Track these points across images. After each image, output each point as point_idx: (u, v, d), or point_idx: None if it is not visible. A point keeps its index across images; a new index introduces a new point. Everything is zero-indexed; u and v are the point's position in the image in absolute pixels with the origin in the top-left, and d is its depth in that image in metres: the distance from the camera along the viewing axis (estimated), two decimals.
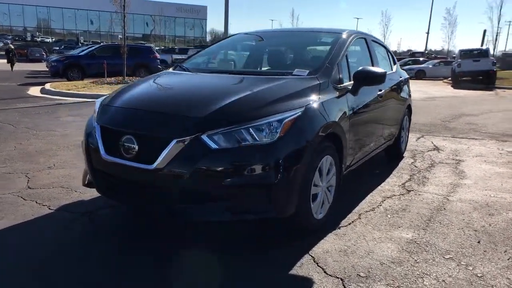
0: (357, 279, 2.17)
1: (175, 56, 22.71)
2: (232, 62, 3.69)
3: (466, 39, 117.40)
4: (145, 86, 2.96)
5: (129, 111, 2.54)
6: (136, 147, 2.30)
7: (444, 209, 3.26)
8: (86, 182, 2.82)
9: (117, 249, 2.47)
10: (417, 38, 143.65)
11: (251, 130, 2.22)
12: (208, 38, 63.62)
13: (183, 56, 22.04)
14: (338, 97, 2.87)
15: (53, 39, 49.27)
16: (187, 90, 2.85)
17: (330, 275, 2.20)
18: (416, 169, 4.45)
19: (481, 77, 19.40)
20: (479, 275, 2.25)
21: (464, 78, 19.77)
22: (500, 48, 54.54)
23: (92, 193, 3.33)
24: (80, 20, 52.50)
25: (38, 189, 3.44)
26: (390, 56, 4.62)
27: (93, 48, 16.74)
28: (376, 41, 4.21)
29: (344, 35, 3.43)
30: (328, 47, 3.28)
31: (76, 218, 2.88)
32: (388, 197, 3.50)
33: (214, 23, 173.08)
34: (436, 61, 29.62)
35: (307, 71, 2.90)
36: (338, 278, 2.17)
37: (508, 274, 2.26)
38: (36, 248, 2.44)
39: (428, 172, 4.34)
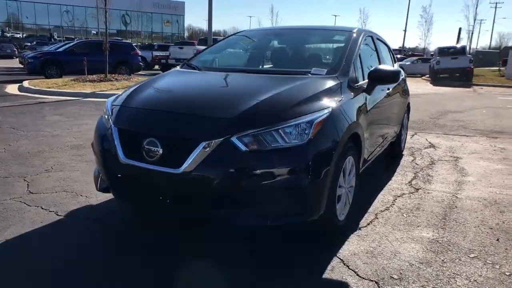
0: (391, 281, 2.15)
1: (156, 53, 22.29)
2: (245, 60, 3.61)
3: (442, 36, 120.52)
4: (162, 86, 2.84)
5: (152, 113, 2.43)
6: (161, 150, 2.21)
7: (456, 207, 3.29)
8: (100, 187, 2.69)
9: (136, 258, 2.36)
10: (394, 36, 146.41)
11: (281, 131, 2.17)
12: (186, 34, 62.83)
13: (164, 53, 21.66)
14: (356, 96, 2.84)
15: (24, 35, 47.50)
16: (210, 91, 2.76)
17: (363, 278, 2.17)
18: (418, 167, 4.49)
19: (458, 74, 19.96)
20: (507, 273, 2.27)
21: (442, 75, 20.29)
22: (472, 46, 56.26)
23: (98, 197, 3.21)
24: (52, 15, 50.80)
25: (40, 193, 3.27)
26: (391, 54, 4.64)
27: (72, 44, 16.21)
28: (380, 39, 4.22)
29: (355, 34, 3.41)
30: (341, 45, 3.25)
31: (89, 225, 2.75)
32: (399, 196, 3.52)
33: (192, 20, 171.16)
34: (414, 58, 30.28)
35: (325, 70, 2.86)
36: (372, 281, 2.15)
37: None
38: (54, 258, 2.32)
39: (430, 170, 4.39)
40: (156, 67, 21.93)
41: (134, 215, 2.99)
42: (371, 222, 2.93)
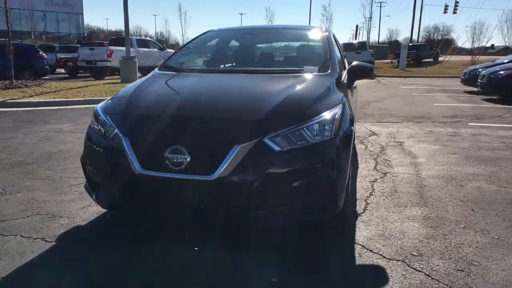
0: (414, 258, 2.35)
1: (61, 55, 20.39)
2: (232, 61, 3.54)
3: (342, 33, 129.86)
4: (163, 91, 2.69)
5: (172, 119, 2.29)
6: (188, 158, 2.10)
7: (424, 185, 3.68)
8: (104, 203, 2.45)
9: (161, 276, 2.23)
10: None
11: (308, 129, 2.22)
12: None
13: (71, 55, 19.92)
14: (345, 91, 3.01)
15: None
16: (223, 93, 2.68)
17: (390, 259, 2.34)
18: (374, 154, 4.89)
19: None
20: (496, 237, 2.63)
21: None
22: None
23: (83, 216, 2.93)
24: None
25: (9, 220, 2.86)
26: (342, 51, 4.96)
27: None
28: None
29: (326, 32, 3.59)
30: (319, 44, 3.40)
31: (92, 247, 2.49)
32: (373, 181, 3.80)
33: (89, 18, 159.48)
34: None
35: (316, 68, 2.98)
36: (399, 260, 2.33)
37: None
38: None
39: (385, 155, 4.81)
40: (60, 70, 20.12)
41: (136, 228, 2.78)
42: (365, 208, 3.13)
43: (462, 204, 3.22)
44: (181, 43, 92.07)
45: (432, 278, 2.14)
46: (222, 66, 3.35)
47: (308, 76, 2.84)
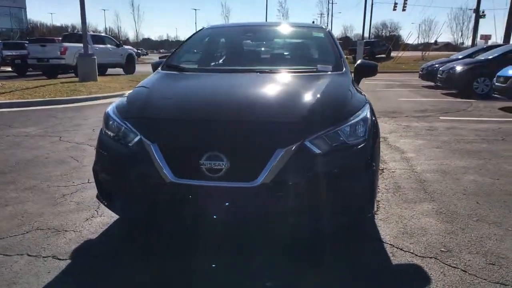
0: (444, 254, 2.39)
1: (7, 52, 18.96)
2: (241, 60, 3.40)
3: None
4: (181, 92, 2.54)
5: (206, 124, 2.15)
6: (228, 164, 1.99)
7: (424, 180, 3.79)
8: (125, 213, 2.27)
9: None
10: None
11: (344, 130, 2.18)
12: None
13: (19, 52, 18.61)
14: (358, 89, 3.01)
15: None
16: (250, 94, 2.55)
17: (423, 257, 2.37)
18: None
19: None
20: (509, 229, 2.75)
21: None
22: None
23: (90, 229, 2.71)
24: None
25: (8, 238, 2.58)
26: None
27: None
28: None
29: (326, 29, 3.58)
30: (325, 42, 3.37)
31: (111, 263, 2.30)
32: None
33: (33, 13, 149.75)
34: None
35: (330, 67, 2.95)
36: (431, 257, 2.36)
37: None
38: None
39: None
40: (5, 68, 18.74)
41: (151, 239, 2.61)
42: (378, 206, 3.16)
43: (465, 197, 3.34)
44: (134, 39, 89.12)
45: (470, 274, 2.18)
46: (230, 65, 3.22)
47: (328, 75, 2.80)
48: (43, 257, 2.35)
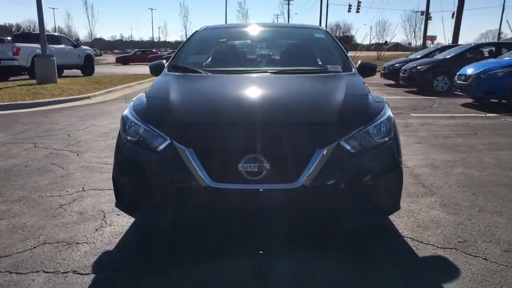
0: (462, 244, 2.51)
1: None
2: (248, 61, 3.34)
3: None
4: (207, 94, 2.47)
5: (244, 126, 2.10)
6: (268, 166, 1.97)
7: (418, 175, 3.95)
8: (162, 221, 2.17)
9: None
10: None
11: (373, 129, 2.22)
12: None
13: None
14: None
15: None
16: (278, 95, 2.51)
17: (444, 248, 2.47)
18: None
19: None
20: (511, 217, 2.93)
21: None
22: None
23: (103, 240, 2.57)
24: None
25: (15, 255, 2.39)
26: None
27: None
28: None
29: (324, 30, 3.63)
30: (329, 43, 3.42)
31: (139, 276, 2.19)
32: None
33: None
34: None
35: (339, 67, 3.00)
36: (452, 248, 2.46)
37: None
38: None
39: None
40: None
41: (169, 247, 2.52)
42: None
43: (460, 189, 3.52)
44: (86, 39, 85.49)
45: (492, 262, 2.30)
46: (240, 66, 3.17)
47: (343, 76, 2.84)
48: (63, 273, 2.20)
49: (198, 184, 1.98)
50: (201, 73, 2.96)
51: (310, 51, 3.48)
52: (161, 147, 2.10)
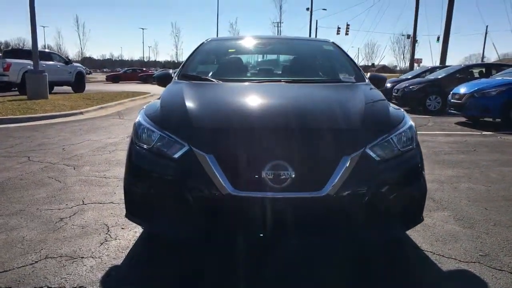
0: (486, 258, 2.43)
1: None
2: (259, 71, 3.28)
3: None
4: (226, 102, 2.40)
5: (268, 133, 2.01)
6: (293, 174, 1.88)
7: (428, 190, 3.88)
8: (175, 233, 2.04)
9: None
10: None
11: (395, 138, 2.17)
12: None
13: None
14: None
15: None
16: (300, 102, 2.45)
17: (466, 262, 2.38)
18: None
19: None
20: None
21: None
22: None
23: (109, 254, 2.42)
24: None
25: (16, 269, 2.22)
26: None
27: None
28: None
29: (332, 42, 3.63)
30: (337, 54, 3.40)
31: None
32: None
33: None
34: None
35: (352, 77, 2.96)
36: (475, 262, 2.38)
37: None
38: None
39: None
40: None
41: (180, 262, 2.38)
42: None
43: (472, 204, 3.47)
44: (75, 58, 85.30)
45: None
46: (253, 75, 3.10)
47: (359, 86, 2.80)
48: None
49: (219, 192, 1.88)
50: (214, 81, 2.89)
51: (321, 62, 3.46)
52: (179, 153, 2.00)
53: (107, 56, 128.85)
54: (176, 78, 3.02)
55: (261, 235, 1.97)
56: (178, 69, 3.16)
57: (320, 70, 3.34)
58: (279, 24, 68.19)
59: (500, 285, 2.12)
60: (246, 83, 2.88)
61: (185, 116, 2.18)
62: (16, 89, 15.21)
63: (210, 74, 3.10)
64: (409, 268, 2.34)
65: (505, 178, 4.35)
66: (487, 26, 59.50)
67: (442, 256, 2.46)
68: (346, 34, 40.53)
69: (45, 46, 75.33)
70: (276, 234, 1.98)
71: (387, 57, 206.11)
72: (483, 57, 50.91)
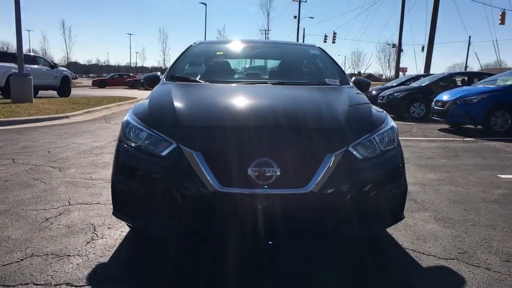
0: (462, 255, 2.52)
1: None
2: (246, 73, 3.34)
3: None
4: (213, 101, 2.44)
5: (253, 131, 2.06)
6: (278, 171, 1.93)
7: (410, 192, 3.97)
8: (163, 232, 2.06)
9: None
10: None
11: (378, 138, 2.24)
12: None
13: None
14: None
15: None
16: (286, 102, 2.51)
17: (445, 258, 2.47)
18: None
19: None
20: (505, 230, 2.98)
21: None
22: None
23: (96, 252, 2.43)
24: None
25: (0, 267, 2.22)
26: None
27: None
28: None
29: (318, 47, 3.72)
30: (322, 58, 3.49)
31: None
32: None
33: None
34: None
35: (337, 81, 3.05)
36: (454, 259, 2.46)
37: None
38: None
39: None
40: None
41: (166, 259, 2.40)
42: None
43: (452, 205, 3.58)
44: (61, 63, 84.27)
45: (494, 271, 2.31)
46: (241, 77, 3.16)
47: (343, 88, 2.89)
48: (55, 285, 2.05)
49: (207, 189, 1.92)
50: (201, 82, 2.94)
51: (307, 65, 3.54)
52: (166, 151, 2.04)
53: (94, 61, 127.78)
54: (164, 79, 3.06)
55: (247, 231, 2.01)
56: (166, 71, 3.20)
57: (306, 73, 3.42)
58: (266, 31, 68.69)
59: (476, 280, 2.21)
60: (233, 84, 2.93)
61: (173, 115, 2.22)
62: (0, 92, 14.97)
63: (197, 76, 3.15)
64: (389, 264, 2.41)
65: (484, 181, 4.49)
66: (470, 37, 61.11)
67: (422, 253, 2.54)
68: (333, 42, 41.08)
69: (30, 50, 74.23)
70: (262, 230, 2.02)
71: (373, 65, 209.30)
72: (466, 66, 52.17)
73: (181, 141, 2.02)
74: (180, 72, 3.19)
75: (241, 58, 3.81)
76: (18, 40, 12.01)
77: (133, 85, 33.48)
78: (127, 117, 2.37)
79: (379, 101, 12.78)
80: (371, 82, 3.38)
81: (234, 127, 2.12)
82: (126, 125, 2.29)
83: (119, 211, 2.23)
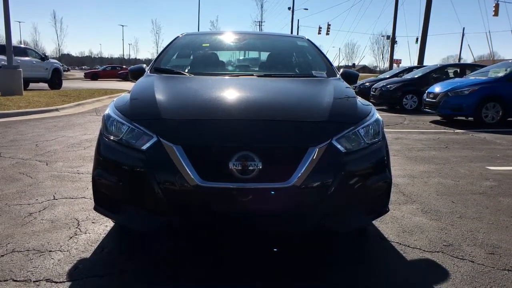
0: (448, 248, 2.52)
1: None
2: (234, 66, 3.30)
3: None
4: (195, 93, 2.40)
5: (235, 124, 2.03)
6: (260, 165, 1.90)
7: (398, 184, 3.99)
8: (144, 226, 2.03)
9: None
10: None
11: (362, 130, 2.22)
12: None
13: None
14: None
15: None
16: (269, 95, 2.47)
17: (430, 251, 2.46)
18: None
19: None
20: (490, 222, 2.98)
21: None
22: None
23: (78, 247, 2.40)
24: None
25: None
26: None
27: None
28: None
29: (307, 38, 3.68)
30: (310, 50, 3.44)
31: (119, 282, 2.05)
32: None
33: None
34: None
35: (324, 73, 3.01)
36: (439, 252, 2.46)
37: (498, 216, 3.09)
38: None
39: None
40: None
41: (152, 253, 2.38)
42: None
43: (440, 197, 3.58)
44: (53, 55, 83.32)
45: (478, 264, 2.31)
46: (226, 69, 3.11)
47: (330, 80, 2.85)
48: (34, 281, 2.02)
49: (188, 183, 1.89)
50: (186, 75, 2.89)
51: (295, 57, 3.50)
52: (147, 145, 2.00)
53: (86, 53, 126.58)
54: (148, 71, 3.01)
55: (229, 226, 1.99)
56: (151, 63, 3.15)
57: (293, 65, 3.38)
58: (260, 23, 68.24)
59: (460, 273, 2.21)
60: (218, 77, 2.89)
61: (154, 108, 2.18)
62: None
63: (183, 68, 3.10)
64: (374, 257, 2.40)
65: (473, 173, 4.50)
66: (463, 28, 61.11)
67: (408, 246, 2.53)
68: (327, 34, 40.93)
69: (20, 41, 73.26)
70: (243, 224, 1.99)
71: (367, 57, 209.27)
72: (459, 58, 52.28)
73: (162, 134, 1.98)
74: (165, 64, 3.13)
75: (228, 50, 3.76)
76: (6, 31, 11.82)
77: (126, 77, 33.20)
78: (108, 110, 2.33)
79: (372, 93, 12.77)
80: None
81: (216, 120, 2.08)
82: (107, 119, 2.25)
83: (100, 206, 2.20)
